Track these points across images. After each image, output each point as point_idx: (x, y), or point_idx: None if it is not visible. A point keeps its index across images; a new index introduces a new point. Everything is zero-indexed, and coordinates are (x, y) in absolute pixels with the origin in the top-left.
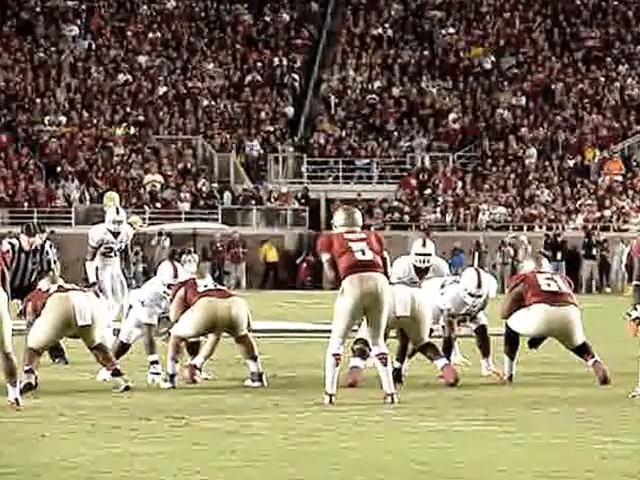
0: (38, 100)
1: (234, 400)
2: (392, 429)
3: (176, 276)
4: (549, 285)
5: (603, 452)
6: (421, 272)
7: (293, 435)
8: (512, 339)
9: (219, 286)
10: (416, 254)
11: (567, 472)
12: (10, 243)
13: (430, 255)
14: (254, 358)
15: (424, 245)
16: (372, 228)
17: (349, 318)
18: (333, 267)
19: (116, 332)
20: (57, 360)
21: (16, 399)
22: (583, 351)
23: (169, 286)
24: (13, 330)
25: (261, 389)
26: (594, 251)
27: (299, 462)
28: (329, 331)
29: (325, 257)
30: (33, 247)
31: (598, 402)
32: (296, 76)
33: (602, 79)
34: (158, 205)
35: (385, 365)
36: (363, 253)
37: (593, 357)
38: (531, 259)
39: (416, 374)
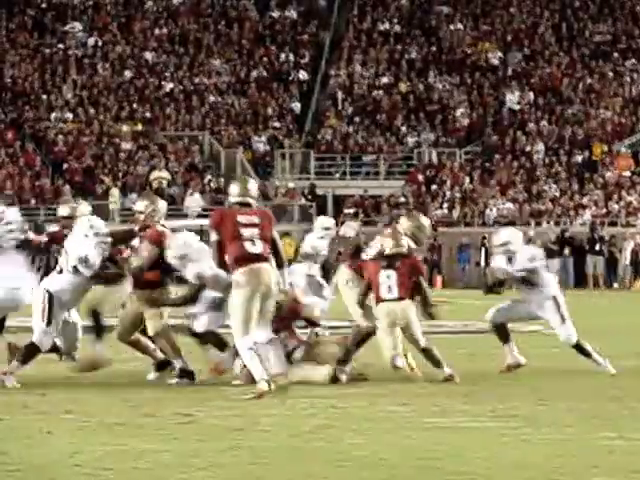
0: (44, 97)
1: (240, 397)
2: (398, 425)
3: None
4: None
5: (610, 448)
6: None
7: (300, 432)
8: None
9: None
10: None
11: (574, 468)
12: None
13: None
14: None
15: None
16: (379, 224)
17: (246, 312)
18: (219, 252)
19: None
20: (63, 357)
21: None
22: None
23: None
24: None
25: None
26: (598, 247)
27: (306, 459)
28: (336, 327)
29: (213, 238)
30: (42, 246)
31: (605, 398)
32: (303, 72)
33: (610, 74)
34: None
35: (272, 349)
36: (253, 243)
37: None
38: None
39: (421, 370)
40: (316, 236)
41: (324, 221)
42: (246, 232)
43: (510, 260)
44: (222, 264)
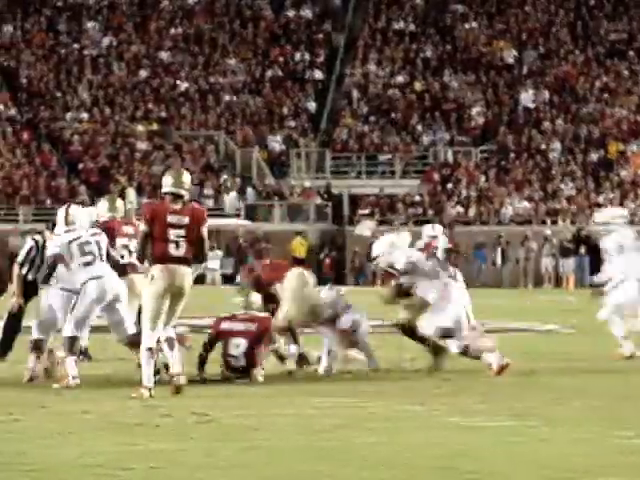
0: (60, 97)
1: (258, 396)
2: (416, 425)
3: None
4: None
5: (627, 447)
6: None
7: (317, 431)
8: None
9: None
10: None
11: (590, 467)
12: (34, 239)
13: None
14: None
15: (433, 228)
16: (395, 223)
17: (155, 306)
18: (143, 243)
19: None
20: (81, 357)
21: None
22: None
23: None
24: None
25: (286, 385)
26: None
27: (323, 458)
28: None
29: (142, 228)
30: None
31: (621, 397)
32: (318, 71)
33: (625, 73)
34: None
35: (172, 349)
36: (177, 247)
37: None
38: None
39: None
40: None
41: (428, 229)
42: (173, 234)
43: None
44: (140, 256)
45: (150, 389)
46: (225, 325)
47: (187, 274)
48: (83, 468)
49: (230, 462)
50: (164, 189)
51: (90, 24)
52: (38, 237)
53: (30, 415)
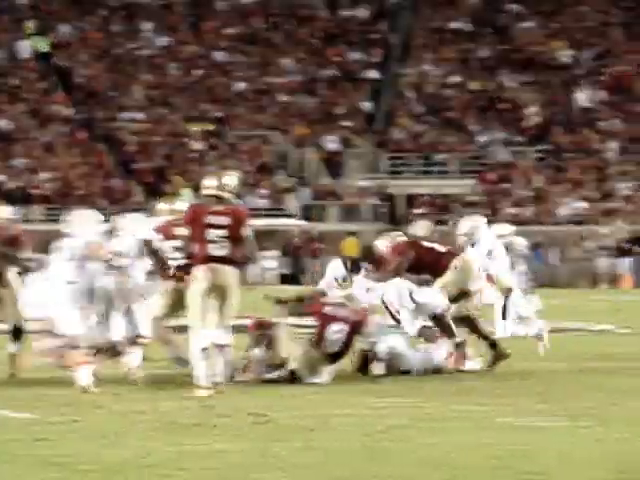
0: (115, 96)
1: (315, 396)
2: (472, 425)
3: None
4: None
5: None
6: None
7: (373, 431)
8: None
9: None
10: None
11: None
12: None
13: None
14: None
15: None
16: (450, 223)
17: (199, 306)
18: (187, 247)
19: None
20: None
21: None
22: None
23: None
24: None
25: (341, 386)
26: None
27: (380, 459)
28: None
29: (186, 232)
30: None
31: None
32: (373, 71)
33: None
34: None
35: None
36: (218, 247)
37: None
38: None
39: (490, 370)
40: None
41: (499, 229)
42: (212, 234)
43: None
44: (188, 257)
45: (208, 388)
46: (328, 309)
47: (230, 273)
48: (140, 468)
49: (287, 463)
50: (204, 191)
51: (145, 24)
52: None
53: (87, 415)
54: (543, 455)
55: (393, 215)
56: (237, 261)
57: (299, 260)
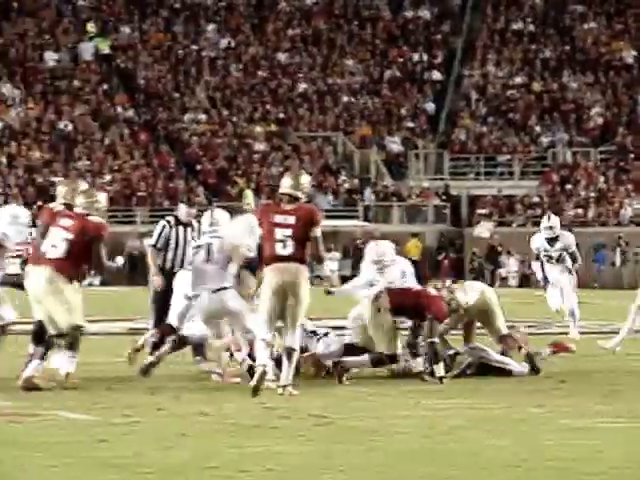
0: (178, 98)
1: (375, 398)
2: (534, 426)
3: None
4: None
5: None
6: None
7: (435, 433)
8: None
9: None
10: (544, 228)
11: None
12: (167, 220)
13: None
14: None
15: (549, 219)
16: (513, 225)
17: (268, 306)
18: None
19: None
20: (198, 358)
21: None
22: None
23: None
24: None
25: (401, 387)
26: None
27: (441, 460)
28: None
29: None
30: (192, 219)
31: None
32: (436, 72)
33: None
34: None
35: (289, 360)
36: (284, 246)
37: None
38: None
39: (551, 371)
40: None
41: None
42: (279, 233)
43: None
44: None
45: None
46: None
47: (298, 272)
48: (200, 470)
49: (348, 465)
50: (281, 190)
51: (208, 25)
52: (170, 218)
53: (147, 417)
54: (606, 457)
55: (456, 216)
56: (303, 261)
57: (360, 262)
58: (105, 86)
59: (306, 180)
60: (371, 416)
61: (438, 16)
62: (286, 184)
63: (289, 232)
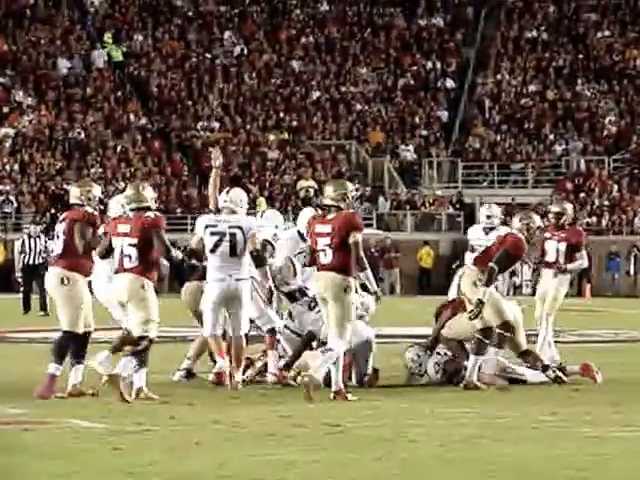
0: (191, 106)
1: (389, 407)
2: (549, 435)
3: None
4: None
5: None
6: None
7: (450, 442)
8: None
9: None
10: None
11: None
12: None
13: None
14: None
15: (489, 208)
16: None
17: (322, 312)
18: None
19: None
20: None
21: None
22: None
23: None
24: None
25: (416, 396)
26: None
27: (456, 469)
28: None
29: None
30: None
31: None
32: (450, 80)
33: None
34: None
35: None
36: (324, 255)
37: None
38: None
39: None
40: None
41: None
42: (320, 242)
43: None
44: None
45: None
46: None
47: (332, 281)
48: (214, 478)
49: (362, 473)
50: (324, 200)
51: (221, 33)
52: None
53: (161, 425)
54: (620, 466)
55: (469, 225)
56: (343, 269)
57: (374, 270)
58: (118, 94)
59: (346, 189)
60: (385, 425)
61: (452, 24)
62: (325, 193)
63: (327, 241)
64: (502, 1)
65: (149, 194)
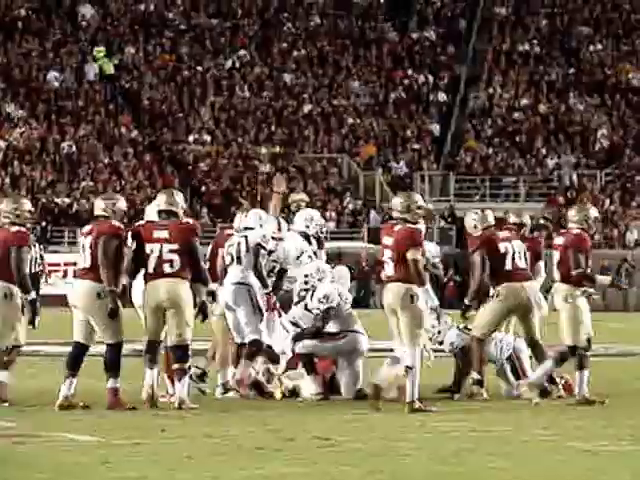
0: (182, 119)
1: (379, 420)
2: (539, 449)
3: None
4: None
5: None
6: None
7: (440, 456)
8: None
9: None
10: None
11: None
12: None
13: None
14: None
15: None
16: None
17: (390, 323)
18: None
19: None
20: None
21: None
22: None
23: None
24: None
25: (404, 408)
26: None
27: None
28: None
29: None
30: None
31: None
32: (442, 93)
33: None
34: None
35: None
36: (387, 266)
37: None
38: None
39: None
40: None
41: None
42: (385, 254)
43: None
44: None
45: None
46: None
47: (398, 292)
48: None
49: None
50: (392, 213)
51: (212, 46)
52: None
53: (151, 438)
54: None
55: (461, 238)
56: (403, 280)
57: (366, 284)
58: (109, 107)
59: (416, 198)
60: (375, 438)
61: (444, 37)
62: (394, 206)
63: (390, 253)
64: (494, 15)
65: (180, 201)
